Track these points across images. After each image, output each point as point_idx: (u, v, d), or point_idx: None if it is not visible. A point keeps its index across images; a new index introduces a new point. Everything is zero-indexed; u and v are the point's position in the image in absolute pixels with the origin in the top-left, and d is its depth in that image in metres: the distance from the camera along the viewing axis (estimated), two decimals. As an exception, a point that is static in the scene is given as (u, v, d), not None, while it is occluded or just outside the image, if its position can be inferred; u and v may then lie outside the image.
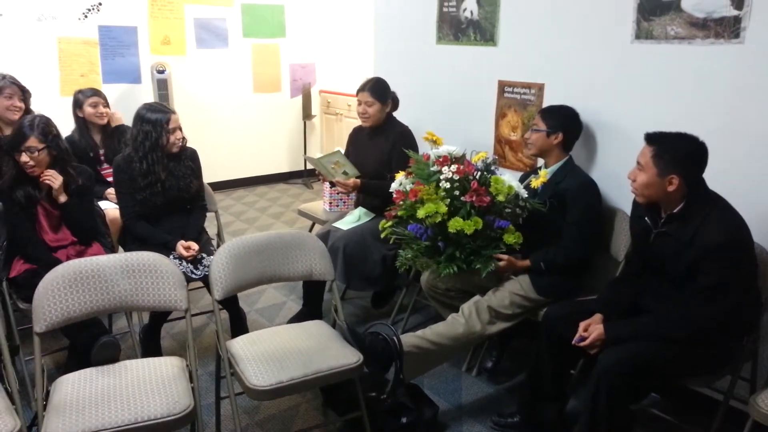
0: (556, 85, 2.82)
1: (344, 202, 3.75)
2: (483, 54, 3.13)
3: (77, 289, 2.01)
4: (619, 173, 2.50)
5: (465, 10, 3.18)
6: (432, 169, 2.38)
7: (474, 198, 2.28)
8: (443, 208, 2.28)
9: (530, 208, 2.38)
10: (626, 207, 2.48)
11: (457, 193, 2.31)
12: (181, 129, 2.83)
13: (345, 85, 6.20)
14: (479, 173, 2.35)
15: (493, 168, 2.41)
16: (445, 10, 3.30)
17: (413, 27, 3.53)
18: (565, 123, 2.54)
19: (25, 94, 3.25)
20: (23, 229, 2.53)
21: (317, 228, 3.65)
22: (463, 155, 2.44)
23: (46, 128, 2.52)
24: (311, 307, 3.10)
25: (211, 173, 3.12)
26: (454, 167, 2.32)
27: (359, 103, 3.17)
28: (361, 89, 3.15)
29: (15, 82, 3.21)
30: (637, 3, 2.45)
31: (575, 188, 2.44)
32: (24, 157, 2.48)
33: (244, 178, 6.15)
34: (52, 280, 1.98)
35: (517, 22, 2.95)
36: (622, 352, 1.97)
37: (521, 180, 2.60)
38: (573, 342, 2.10)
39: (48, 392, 1.93)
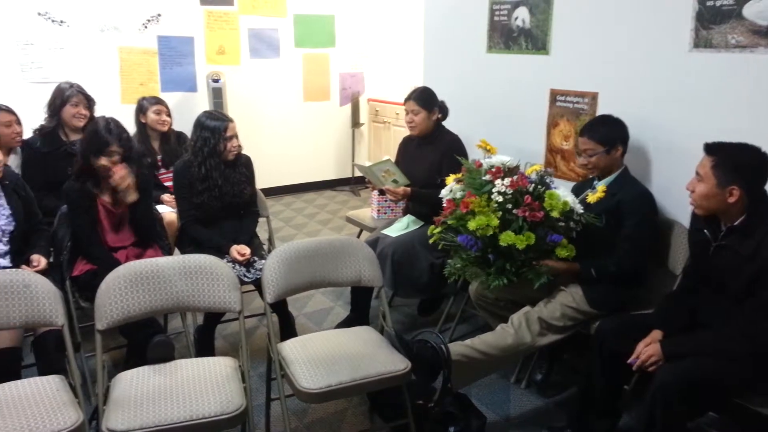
0: (610, 94, 2.78)
1: (392, 210, 3.77)
2: (534, 62, 3.11)
3: (137, 289, 2.09)
4: (676, 184, 2.44)
5: (516, 18, 3.17)
6: (484, 178, 2.36)
7: (527, 213, 2.24)
8: (495, 221, 2.25)
9: (585, 221, 2.33)
10: (684, 219, 2.42)
11: (509, 206, 2.28)
12: (237, 137, 2.91)
13: (393, 94, 6.25)
14: (533, 186, 2.32)
15: (548, 180, 2.36)
16: (496, 18, 3.30)
17: (463, 36, 3.53)
18: (619, 133, 2.45)
19: (90, 103, 3.39)
20: (86, 230, 2.63)
21: (365, 235, 3.68)
22: (517, 167, 2.41)
23: (121, 131, 2.61)
24: (358, 313, 3.13)
25: (261, 179, 3.19)
26: (507, 180, 2.29)
27: (406, 113, 3.20)
28: (408, 98, 3.18)
29: (81, 91, 3.35)
30: (695, 11, 2.40)
31: (631, 199, 2.38)
32: (104, 161, 2.56)
33: (293, 185, 6.25)
34: (114, 279, 2.07)
35: (570, 30, 2.92)
36: (680, 368, 1.91)
37: (574, 190, 2.56)
38: (628, 362, 2.05)
39: (108, 388, 2.00)
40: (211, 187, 2.85)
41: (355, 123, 6.29)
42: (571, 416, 2.43)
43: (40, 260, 2.55)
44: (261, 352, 2.96)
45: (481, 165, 2.43)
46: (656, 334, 2.07)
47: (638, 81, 2.64)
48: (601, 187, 2.33)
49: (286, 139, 6.04)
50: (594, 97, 2.84)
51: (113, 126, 2.60)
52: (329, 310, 3.55)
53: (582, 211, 2.33)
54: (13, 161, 3.24)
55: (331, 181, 6.47)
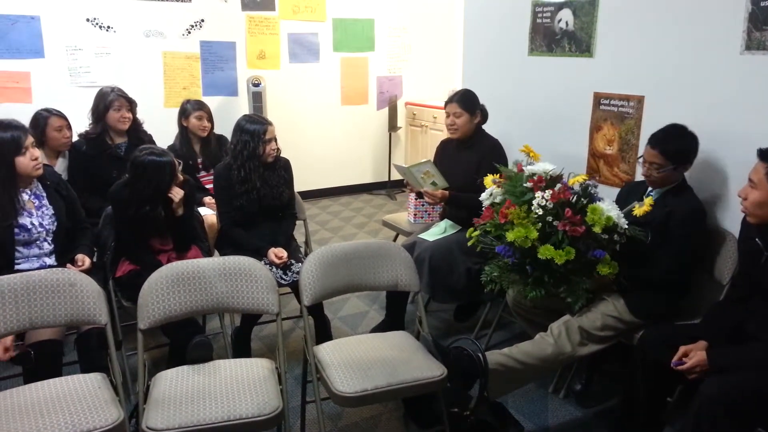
0: (656, 98, 2.70)
1: (429, 214, 3.74)
2: (578, 65, 3.05)
3: (179, 289, 2.12)
4: (727, 191, 2.37)
5: (560, 20, 3.12)
6: (525, 185, 2.31)
7: (567, 227, 2.18)
8: (534, 234, 2.17)
9: (629, 235, 2.25)
10: (733, 227, 2.33)
11: (549, 218, 2.22)
12: (276, 140, 2.94)
13: (431, 97, 6.23)
14: (575, 198, 2.25)
15: (592, 192, 2.29)
16: (538, 21, 3.25)
17: (504, 38, 3.49)
18: (692, 150, 2.33)
19: (131, 105, 3.44)
20: (131, 232, 2.68)
21: (401, 239, 3.67)
22: (560, 176, 2.35)
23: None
24: (394, 318, 3.11)
25: (298, 182, 3.20)
26: (548, 193, 2.22)
27: (447, 115, 3.16)
28: (449, 101, 3.14)
29: (122, 95, 3.41)
30: (748, 12, 2.31)
31: (683, 214, 2.28)
32: (178, 191, 2.66)
33: (330, 188, 6.29)
34: (156, 280, 2.10)
35: (615, 32, 2.86)
36: (727, 381, 1.84)
37: (624, 191, 2.49)
38: (671, 364, 1.99)
39: (148, 386, 2.03)
40: (250, 189, 2.88)
41: (392, 126, 6.28)
42: (611, 428, 2.37)
43: (84, 260, 2.61)
44: (296, 355, 2.97)
45: (522, 169, 2.37)
46: (701, 344, 2.01)
47: (687, 84, 2.56)
48: (648, 200, 2.22)
49: (324, 143, 6.08)
50: (640, 100, 2.76)
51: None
52: (364, 314, 3.55)
53: (627, 226, 2.24)
54: (61, 164, 3.34)
55: (367, 185, 6.48)
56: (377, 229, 5.15)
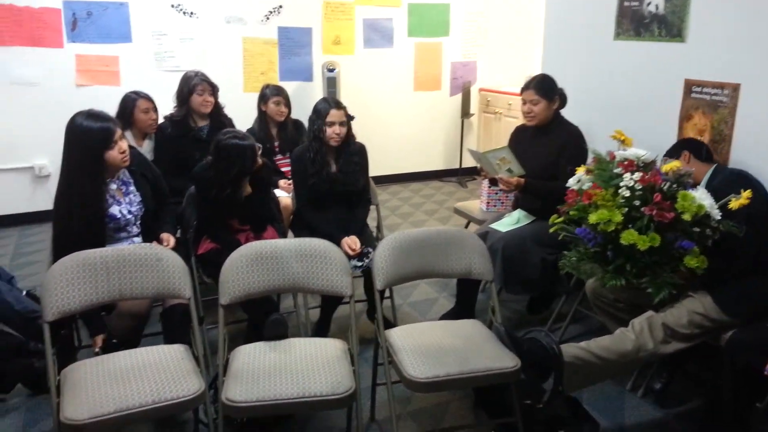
0: (754, 86, 2.53)
1: (502, 203, 3.68)
2: (668, 50, 2.90)
3: (257, 268, 2.18)
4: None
5: (649, 4, 2.97)
6: (615, 171, 2.22)
7: (654, 212, 2.08)
8: (618, 217, 2.09)
9: (723, 230, 2.12)
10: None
11: (637, 203, 2.13)
12: (342, 124, 2.90)
13: (506, 84, 6.10)
14: (667, 184, 2.15)
15: (687, 181, 2.18)
16: (626, 4, 3.10)
17: (588, 22, 3.37)
18: (680, 143, 2.45)
19: (213, 89, 3.56)
20: (212, 212, 2.77)
21: (472, 227, 3.62)
22: (653, 161, 2.25)
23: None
24: (464, 306, 3.07)
25: (370, 167, 3.20)
26: (637, 175, 2.13)
27: (524, 102, 3.06)
28: (526, 87, 3.05)
29: (205, 79, 3.52)
30: None
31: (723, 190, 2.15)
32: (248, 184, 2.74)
33: (400, 174, 6.28)
34: (237, 258, 2.17)
35: (710, 15, 2.69)
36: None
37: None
38: (764, 371, 1.87)
39: (227, 360, 2.11)
40: (319, 169, 2.90)
41: (465, 113, 6.20)
42: (692, 431, 2.26)
43: (169, 239, 2.68)
44: (365, 338, 3.00)
45: (614, 157, 2.28)
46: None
47: (789, 71, 2.39)
48: (746, 193, 2.09)
49: (395, 129, 6.07)
50: (735, 88, 2.60)
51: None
52: (434, 300, 3.54)
53: (720, 218, 2.12)
54: (147, 145, 3.49)
55: (438, 172, 6.43)
56: (447, 216, 5.11)
